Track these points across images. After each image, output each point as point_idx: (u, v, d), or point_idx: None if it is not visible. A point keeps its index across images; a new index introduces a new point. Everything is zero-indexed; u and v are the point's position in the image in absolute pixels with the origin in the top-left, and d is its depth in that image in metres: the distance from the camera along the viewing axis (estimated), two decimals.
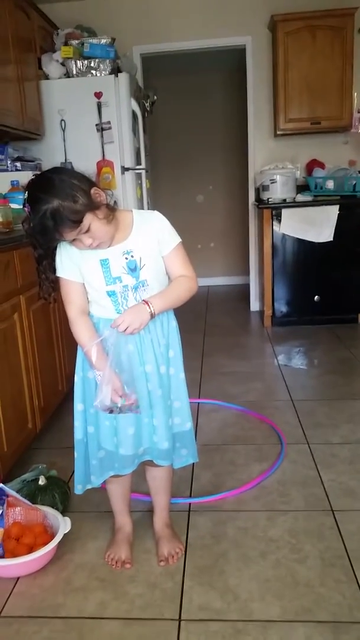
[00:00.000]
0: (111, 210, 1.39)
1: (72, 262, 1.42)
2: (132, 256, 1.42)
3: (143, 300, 1.42)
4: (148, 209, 4.05)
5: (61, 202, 1.25)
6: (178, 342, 1.57)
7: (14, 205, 2.53)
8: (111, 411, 1.42)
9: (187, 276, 1.50)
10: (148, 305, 1.40)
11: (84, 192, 1.29)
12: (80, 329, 1.45)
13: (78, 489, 1.63)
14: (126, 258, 1.42)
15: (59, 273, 1.43)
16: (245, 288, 5.18)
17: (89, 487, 1.64)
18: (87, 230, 1.31)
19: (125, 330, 1.37)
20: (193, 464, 1.78)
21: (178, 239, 1.48)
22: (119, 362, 1.40)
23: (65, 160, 3.53)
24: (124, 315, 1.38)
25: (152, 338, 1.48)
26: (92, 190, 1.33)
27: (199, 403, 2.81)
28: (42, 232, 1.29)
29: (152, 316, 1.41)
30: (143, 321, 1.39)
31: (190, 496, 1.99)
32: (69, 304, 1.46)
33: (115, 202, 1.44)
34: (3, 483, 1.78)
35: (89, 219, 1.30)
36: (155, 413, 1.53)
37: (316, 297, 4.20)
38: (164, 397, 1.53)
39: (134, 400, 1.43)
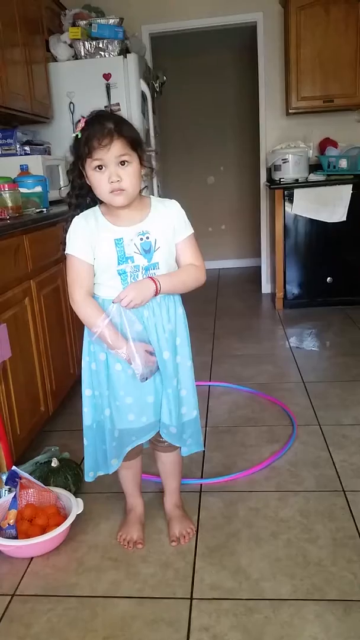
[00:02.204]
0: (148, 174, 1.45)
1: (85, 242, 1.41)
2: (147, 237, 1.42)
3: (149, 277, 1.42)
4: (158, 191, 4.02)
5: (125, 120, 1.37)
6: (185, 330, 1.56)
7: (23, 190, 2.53)
8: (146, 379, 1.45)
9: (196, 266, 1.51)
10: (154, 281, 1.40)
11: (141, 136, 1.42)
12: (88, 311, 1.44)
13: (90, 476, 1.63)
14: (141, 239, 1.42)
15: (71, 251, 1.42)
16: (257, 270, 5.15)
17: (100, 473, 1.64)
18: (126, 164, 1.35)
19: (128, 305, 1.37)
20: (205, 444, 1.78)
21: (192, 230, 1.51)
22: (132, 331, 1.41)
23: (70, 147, 3.50)
24: (127, 290, 1.38)
25: (156, 322, 1.47)
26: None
27: (209, 386, 2.81)
28: (96, 136, 1.31)
29: (157, 292, 1.41)
30: (146, 297, 1.40)
31: (202, 477, 2.00)
32: (77, 285, 1.44)
33: (146, 186, 1.48)
34: (16, 465, 1.80)
35: (135, 156, 1.37)
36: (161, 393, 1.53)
37: (329, 279, 4.16)
38: (166, 383, 1.52)
39: (155, 361, 1.48)
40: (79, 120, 1.36)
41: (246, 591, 1.45)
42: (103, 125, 1.32)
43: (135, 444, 1.59)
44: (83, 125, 1.35)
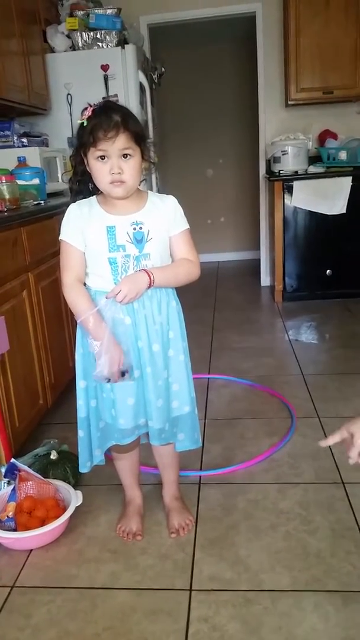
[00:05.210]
0: (148, 168, 1.45)
1: (77, 228, 1.42)
2: (140, 228, 1.42)
3: (142, 269, 1.41)
4: (157, 183, 4.01)
5: (132, 113, 1.38)
6: (179, 324, 1.55)
7: (20, 182, 2.51)
8: (108, 380, 1.42)
9: (190, 260, 1.51)
10: (148, 273, 1.40)
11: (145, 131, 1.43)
12: (76, 296, 1.44)
13: (87, 466, 1.63)
14: (134, 228, 1.42)
15: (63, 236, 1.44)
16: (256, 263, 5.13)
17: (94, 464, 1.64)
18: (128, 157, 1.35)
19: (122, 300, 1.37)
20: (204, 437, 1.78)
21: (187, 225, 1.52)
22: (116, 333, 1.40)
23: (72, 135, 3.49)
24: (120, 285, 1.38)
25: (146, 314, 1.46)
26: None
27: (208, 378, 2.81)
28: (103, 127, 1.31)
29: (150, 285, 1.41)
30: (139, 290, 1.40)
31: (201, 469, 2.00)
32: (67, 270, 1.45)
33: (144, 179, 1.49)
34: (15, 458, 1.80)
35: (138, 150, 1.37)
36: (145, 391, 1.52)
37: (328, 271, 4.15)
38: (154, 376, 1.50)
39: (128, 369, 1.44)
40: (86, 108, 1.36)
41: (245, 582, 1.46)
42: (110, 117, 1.32)
43: (116, 443, 1.59)
44: (90, 113, 1.35)
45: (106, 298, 1.39)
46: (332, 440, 1.13)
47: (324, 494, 1.80)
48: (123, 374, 1.43)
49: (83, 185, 1.47)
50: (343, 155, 4.05)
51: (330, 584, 1.43)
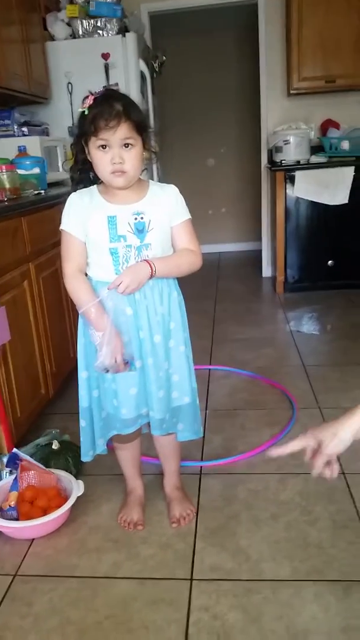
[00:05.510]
0: (149, 157, 1.43)
1: (78, 219, 1.42)
2: (142, 218, 1.41)
3: (144, 259, 1.41)
4: (158, 173, 3.98)
5: (134, 102, 1.37)
6: (181, 315, 1.55)
7: (21, 171, 2.50)
8: (107, 371, 1.42)
9: (192, 250, 1.50)
10: (149, 264, 1.39)
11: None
12: (78, 286, 1.44)
13: (89, 455, 1.63)
14: (135, 218, 1.41)
15: (63, 226, 1.44)
16: (257, 254, 5.12)
17: (96, 453, 1.64)
18: (129, 147, 1.34)
19: (124, 291, 1.37)
20: (205, 427, 1.78)
21: (189, 215, 1.51)
22: (117, 323, 1.40)
23: (73, 124, 3.46)
24: (122, 276, 1.37)
25: (147, 304, 1.46)
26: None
27: (209, 369, 2.81)
28: (104, 117, 1.30)
29: (152, 275, 1.40)
30: (141, 281, 1.39)
31: (202, 460, 2.00)
32: (68, 260, 1.45)
33: (145, 169, 1.47)
34: (17, 448, 1.80)
35: (140, 140, 1.36)
36: (146, 381, 1.52)
37: (330, 262, 4.13)
38: (156, 367, 1.50)
39: (130, 360, 1.44)
40: (87, 97, 1.35)
41: (246, 572, 1.46)
42: (112, 106, 1.31)
43: (118, 433, 1.59)
44: (91, 102, 1.33)
45: (107, 289, 1.39)
46: (292, 447, 0.98)
47: (324, 484, 1.80)
48: (124, 364, 1.43)
49: (84, 174, 1.46)
50: (345, 145, 4.02)
51: (330, 574, 1.43)
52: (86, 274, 1.48)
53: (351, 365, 2.77)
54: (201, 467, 1.95)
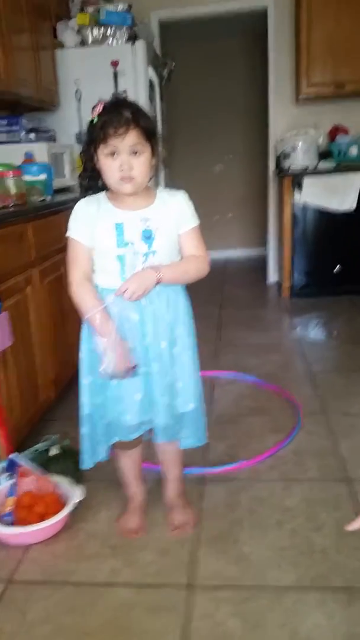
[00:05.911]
0: (157, 164, 1.43)
1: (85, 225, 1.41)
2: (149, 224, 1.41)
3: (150, 266, 1.40)
4: (165, 178, 3.99)
5: (143, 109, 1.37)
6: (188, 321, 1.54)
7: (27, 177, 2.50)
8: (111, 377, 1.41)
9: (199, 257, 1.49)
10: (156, 270, 1.39)
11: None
12: (83, 292, 1.43)
13: (88, 463, 1.61)
14: (143, 225, 1.41)
15: (70, 233, 1.44)
16: (263, 260, 5.09)
17: (96, 460, 1.62)
18: (138, 154, 1.34)
19: (130, 297, 1.35)
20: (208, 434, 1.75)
21: (197, 222, 1.50)
22: (122, 330, 1.39)
23: (80, 131, 3.48)
24: (128, 282, 1.36)
25: (154, 310, 1.45)
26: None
27: (215, 376, 2.78)
28: (113, 124, 1.30)
29: (159, 282, 1.39)
30: (147, 287, 1.38)
31: (205, 466, 1.97)
32: (74, 266, 1.44)
33: (153, 176, 1.47)
34: (16, 453, 1.79)
35: (148, 147, 1.36)
36: (151, 388, 1.50)
37: (336, 268, 4.10)
38: (161, 373, 1.49)
39: (134, 366, 1.43)
40: (97, 105, 1.35)
41: (249, 579, 1.44)
42: (121, 113, 1.31)
43: (121, 439, 1.57)
44: (100, 110, 1.34)
45: (114, 295, 1.38)
46: None
47: (329, 491, 1.78)
48: (128, 370, 1.42)
49: (93, 181, 1.46)
50: (354, 150, 4.01)
51: (335, 581, 1.41)
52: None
53: (357, 372, 2.74)
54: (204, 474, 1.93)
